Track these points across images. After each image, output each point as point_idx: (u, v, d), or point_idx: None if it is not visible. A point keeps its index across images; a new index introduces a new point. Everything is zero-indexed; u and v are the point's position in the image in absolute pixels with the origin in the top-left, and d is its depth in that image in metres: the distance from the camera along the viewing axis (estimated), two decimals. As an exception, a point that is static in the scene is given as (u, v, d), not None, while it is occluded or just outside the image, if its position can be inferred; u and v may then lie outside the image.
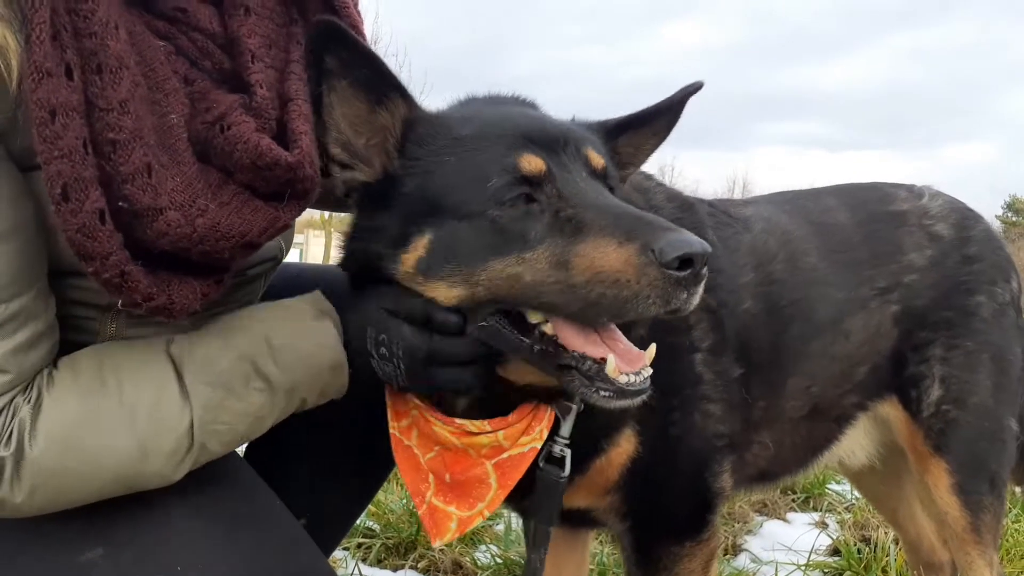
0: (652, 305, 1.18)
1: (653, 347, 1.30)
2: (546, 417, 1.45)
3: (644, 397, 1.26)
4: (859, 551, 2.94)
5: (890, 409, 2.07)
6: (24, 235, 1.21)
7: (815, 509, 3.73)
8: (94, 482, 1.28)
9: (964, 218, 2.14)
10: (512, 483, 1.45)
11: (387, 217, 1.37)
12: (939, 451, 2.00)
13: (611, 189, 1.40)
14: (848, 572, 2.82)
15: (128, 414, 1.26)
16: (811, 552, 2.94)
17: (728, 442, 1.72)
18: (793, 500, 3.80)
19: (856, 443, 2.19)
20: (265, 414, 1.37)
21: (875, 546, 2.94)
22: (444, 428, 1.46)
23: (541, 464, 1.47)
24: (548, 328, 1.30)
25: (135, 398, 1.27)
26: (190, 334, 1.38)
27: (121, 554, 1.36)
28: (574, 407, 1.47)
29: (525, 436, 1.44)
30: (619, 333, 1.31)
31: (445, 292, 1.31)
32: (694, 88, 1.59)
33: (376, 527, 3.12)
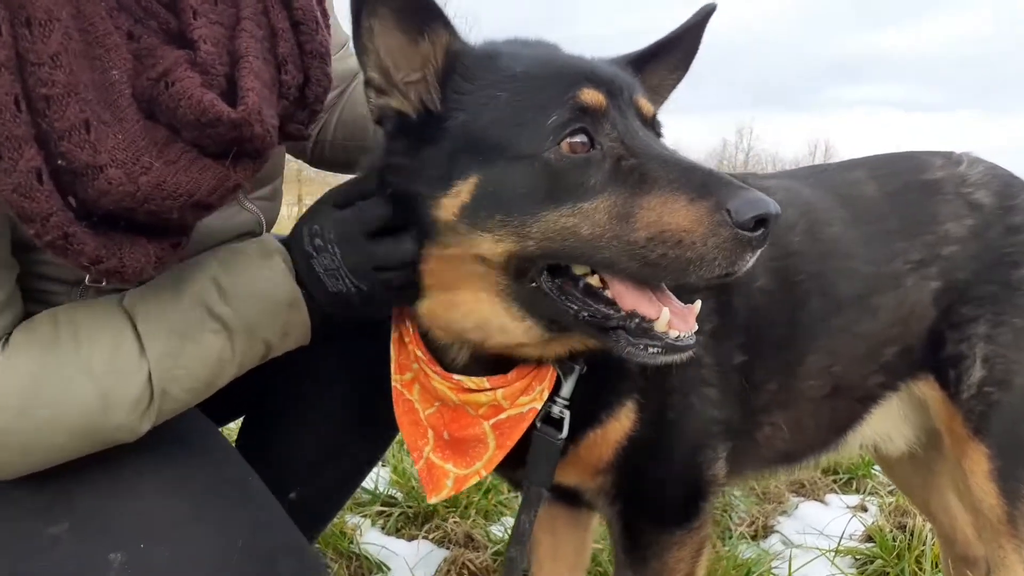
0: (718, 266, 1.14)
1: (699, 303, 1.28)
2: (548, 377, 1.42)
3: (692, 352, 1.24)
4: (894, 539, 2.79)
5: (927, 389, 1.93)
6: None
7: (857, 491, 3.56)
8: (57, 437, 1.28)
9: (1007, 185, 1.96)
10: (511, 443, 1.42)
11: (427, 155, 1.28)
12: (979, 434, 1.86)
13: (660, 136, 1.36)
14: (879, 560, 2.68)
15: (85, 365, 1.26)
16: (841, 537, 2.81)
17: (724, 428, 1.64)
18: (835, 481, 3.64)
19: (893, 428, 2.06)
20: (227, 357, 1.36)
21: (911, 534, 2.78)
22: (443, 383, 1.43)
23: (538, 424, 1.43)
24: (594, 280, 1.26)
25: (91, 350, 1.27)
26: (141, 288, 1.37)
27: (86, 528, 1.36)
28: (576, 368, 1.43)
29: (524, 396, 1.41)
30: (668, 291, 1.28)
31: (491, 246, 1.24)
32: (708, 10, 1.51)
33: (399, 495, 3.13)
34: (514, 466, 1.49)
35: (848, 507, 3.30)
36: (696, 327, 1.25)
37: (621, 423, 1.54)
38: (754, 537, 3.07)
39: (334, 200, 1.38)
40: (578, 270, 1.27)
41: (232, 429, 2.41)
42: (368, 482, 3.16)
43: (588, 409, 1.50)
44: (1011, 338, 1.85)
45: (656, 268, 1.16)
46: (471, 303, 1.33)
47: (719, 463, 1.64)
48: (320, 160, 2.07)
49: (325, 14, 1.42)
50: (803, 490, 3.54)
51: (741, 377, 1.68)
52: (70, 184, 1.13)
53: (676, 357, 1.23)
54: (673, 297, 1.28)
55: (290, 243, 1.41)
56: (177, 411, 1.38)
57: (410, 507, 3.02)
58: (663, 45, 1.51)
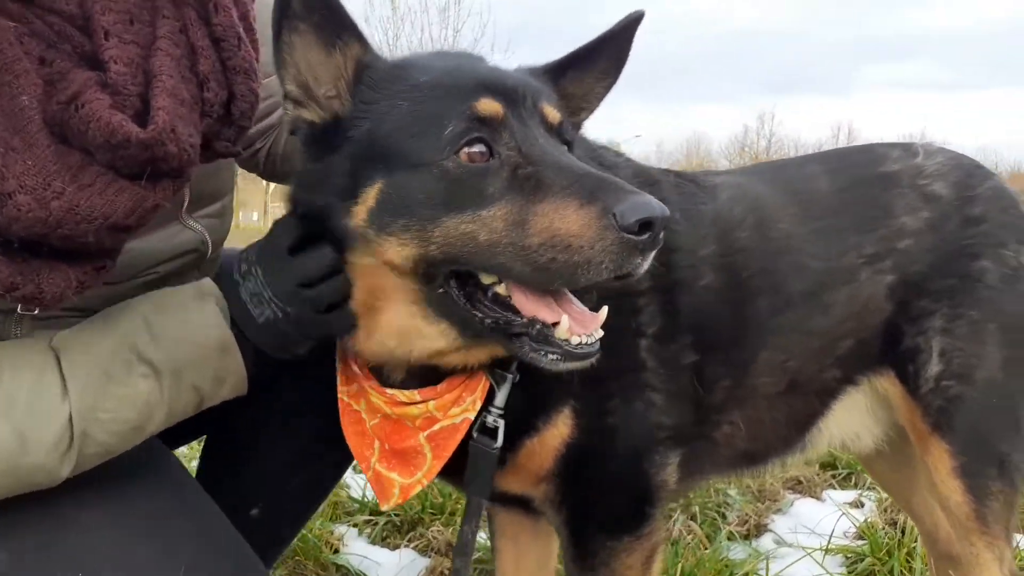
0: (605, 270, 1.17)
1: (605, 309, 1.29)
2: (478, 387, 1.44)
3: (593, 360, 1.26)
4: (886, 535, 2.73)
5: (887, 384, 1.89)
6: None
7: (856, 486, 3.50)
8: None
9: (968, 176, 1.91)
10: (446, 454, 1.44)
11: (335, 164, 1.33)
12: (939, 430, 1.82)
13: (567, 143, 1.37)
14: (869, 558, 2.62)
15: (6, 403, 1.26)
16: (831, 535, 2.75)
17: (673, 434, 1.62)
18: (833, 476, 3.58)
19: (860, 424, 2.01)
20: (155, 401, 1.35)
21: (902, 531, 2.72)
22: (379, 397, 1.46)
23: (474, 435, 1.45)
24: (501, 289, 1.28)
25: (13, 387, 1.27)
26: (73, 328, 1.36)
27: (23, 560, 1.37)
28: (509, 376, 1.44)
29: (456, 407, 1.43)
30: (572, 296, 1.30)
31: (397, 251, 1.28)
32: (635, 16, 1.50)
33: (387, 504, 3.13)
34: (458, 475, 1.50)
35: (844, 503, 3.25)
36: (600, 334, 1.26)
37: (559, 430, 1.53)
38: (746, 536, 3.02)
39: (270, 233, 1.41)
40: (486, 278, 1.29)
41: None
42: (356, 490, 3.18)
43: (525, 418, 1.50)
44: (969, 331, 1.80)
45: (547, 272, 1.19)
46: (391, 314, 1.36)
47: (668, 469, 1.62)
48: (273, 174, 2.07)
49: (251, 30, 1.42)
50: (799, 487, 3.48)
51: (692, 377, 1.65)
52: None
53: (576, 364, 1.25)
54: (576, 303, 1.30)
55: (223, 279, 1.41)
56: (104, 456, 1.36)
57: (396, 515, 3.02)
58: (585, 53, 1.51)
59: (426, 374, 1.44)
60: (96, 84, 1.21)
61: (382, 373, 1.48)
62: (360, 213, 1.29)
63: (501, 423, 1.44)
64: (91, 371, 1.31)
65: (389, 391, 1.45)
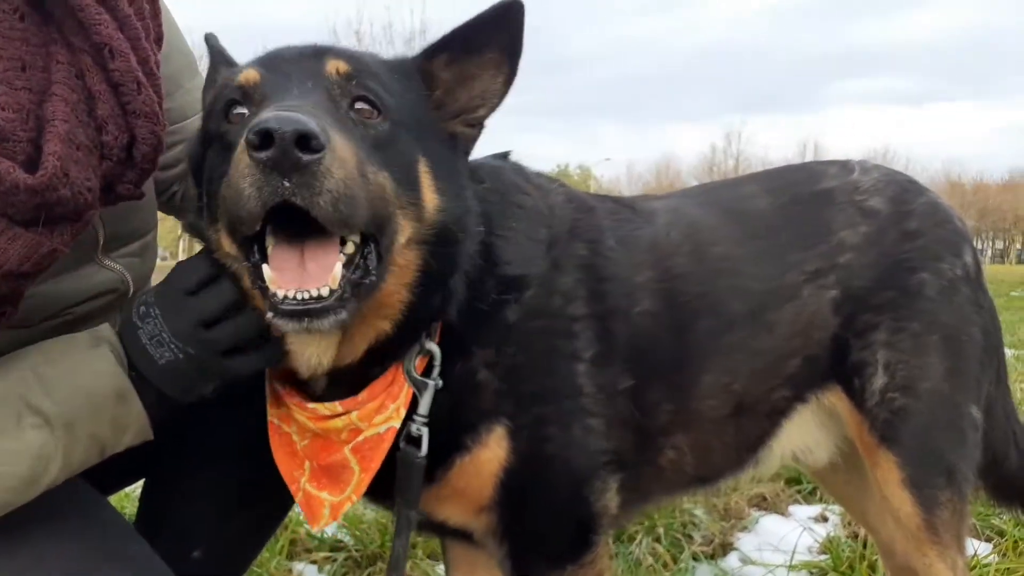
0: (250, 198, 1.12)
1: (338, 267, 1.19)
2: (401, 394, 1.41)
3: (308, 323, 1.17)
4: (849, 548, 2.73)
5: (834, 399, 1.90)
6: None
7: (820, 500, 3.50)
8: None
9: (904, 191, 1.95)
10: (375, 465, 1.42)
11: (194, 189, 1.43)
12: (886, 442, 1.83)
13: (371, 102, 1.31)
14: (832, 572, 2.61)
15: None
16: (793, 552, 2.74)
17: (613, 459, 1.60)
18: (798, 492, 3.58)
19: (811, 439, 2.01)
20: (49, 453, 1.30)
21: (864, 543, 2.72)
22: (301, 414, 1.44)
23: (401, 445, 1.42)
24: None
25: None
26: None
27: None
28: (431, 383, 1.42)
29: (379, 415, 1.41)
30: (310, 254, 1.20)
31: (222, 238, 1.31)
32: (512, 2, 1.40)
33: (348, 540, 3.07)
34: (390, 496, 1.47)
35: (809, 517, 3.24)
36: (322, 291, 1.17)
37: (493, 452, 1.50)
38: (712, 556, 3.00)
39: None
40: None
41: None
42: (315, 527, 3.10)
43: (452, 432, 1.47)
44: (911, 344, 1.82)
45: (227, 216, 1.21)
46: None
47: (608, 494, 1.59)
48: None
49: (152, 75, 1.40)
50: (764, 503, 3.48)
51: (630, 402, 1.63)
52: None
53: (287, 323, 1.18)
54: (290, 252, 1.20)
55: (123, 323, 1.38)
56: (2, 509, 1.31)
57: (358, 551, 2.95)
58: (457, 36, 1.45)
59: (350, 382, 1.41)
60: None
61: (308, 387, 1.46)
62: (207, 220, 1.34)
63: (425, 431, 1.41)
64: None
65: (311, 405, 1.42)
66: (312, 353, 1.38)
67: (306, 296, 1.16)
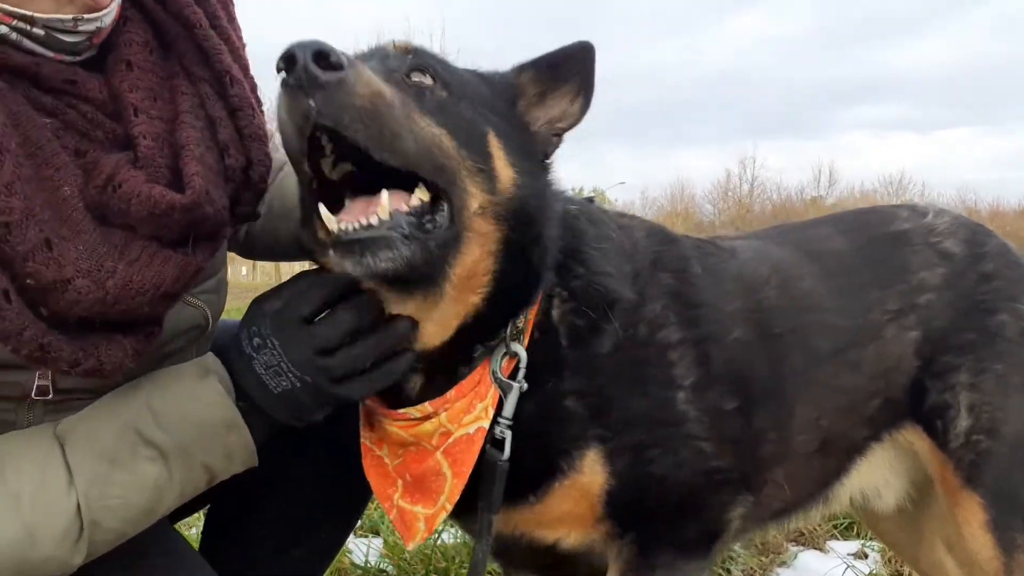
0: (288, 129, 1.21)
1: (384, 194, 1.23)
2: (488, 394, 1.43)
3: (364, 257, 1.21)
4: (894, 587, 2.73)
5: (915, 438, 1.91)
6: None
7: (858, 536, 3.50)
8: None
9: (974, 234, 1.99)
10: (465, 469, 1.43)
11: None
12: (971, 484, 1.84)
13: (422, 69, 1.38)
14: (880, 611, 2.61)
15: (12, 500, 1.24)
16: (840, 589, 2.74)
17: (733, 476, 1.61)
18: (835, 527, 3.57)
19: (882, 479, 2.02)
20: (164, 483, 1.33)
21: (911, 582, 2.72)
22: (393, 424, 1.45)
23: (486, 447, 1.44)
24: None
25: (18, 482, 1.25)
26: (75, 415, 1.36)
27: None
28: (515, 385, 1.44)
29: (468, 415, 1.43)
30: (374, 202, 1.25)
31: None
32: (586, 44, 1.56)
33: (390, 568, 3.10)
34: (470, 506, 1.47)
35: (849, 554, 3.24)
36: (375, 220, 1.22)
37: (589, 477, 1.50)
38: (755, 592, 3.00)
39: (266, 298, 1.41)
40: None
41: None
42: (358, 556, 3.14)
43: (542, 452, 1.48)
44: (994, 385, 1.84)
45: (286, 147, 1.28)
46: None
47: (734, 509, 1.61)
48: (251, 251, 2.10)
49: (260, 101, 1.50)
50: (802, 539, 3.47)
51: (739, 420, 1.64)
52: (41, 298, 1.18)
53: (344, 257, 1.23)
54: (358, 202, 1.28)
55: (230, 352, 1.41)
56: (116, 541, 1.35)
57: (401, 581, 2.98)
58: (546, 61, 1.56)
59: (440, 381, 1.44)
60: (127, 163, 1.27)
61: (402, 393, 1.47)
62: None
63: (508, 434, 1.43)
64: (96, 459, 1.30)
65: (401, 411, 1.44)
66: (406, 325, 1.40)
67: (356, 226, 1.21)
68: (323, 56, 1.14)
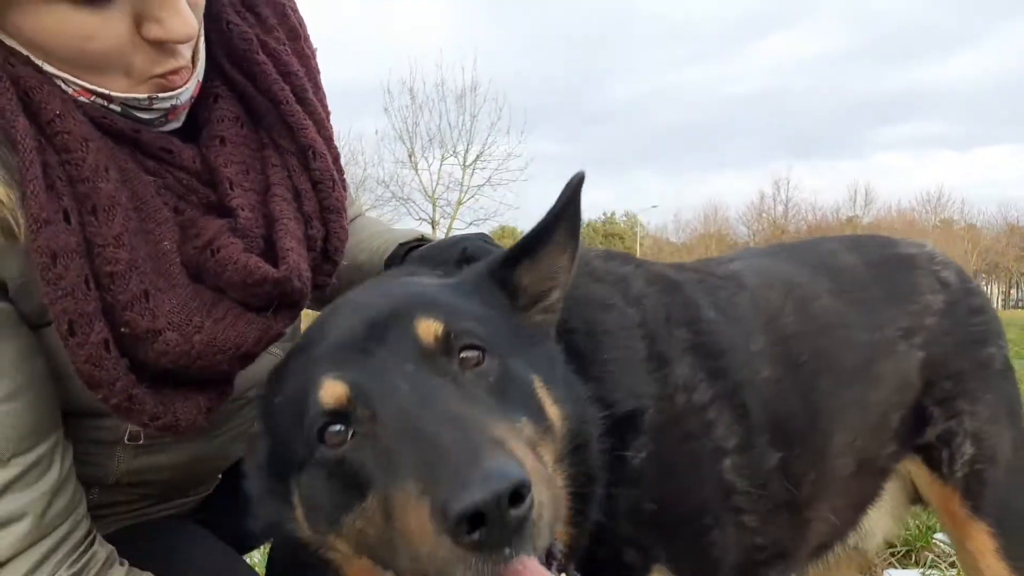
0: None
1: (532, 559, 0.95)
2: None
3: None
4: (955, 616, 2.69)
5: (914, 468, 1.93)
6: (35, 389, 1.30)
7: (917, 564, 3.45)
8: None
9: (962, 271, 2.06)
10: None
11: (271, 487, 1.22)
12: (978, 513, 1.87)
13: (475, 347, 1.13)
14: (941, 641, 2.58)
15: None
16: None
17: (772, 552, 1.55)
18: (892, 555, 3.53)
19: (892, 511, 2.02)
20: None
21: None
22: None
23: None
24: None
25: None
26: None
27: None
28: None
29: None
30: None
31: (339, 549, 1.13)
32: (578, 179, 1.30)
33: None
34: None
35: (909, 583, 3.20)
36: None
37: None
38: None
39: None
40: None
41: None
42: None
43: None
44: (989, 414, 1.89)
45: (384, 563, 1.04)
46: None
47: None
48: (322, 303, 2.19)
49: (342, 171, 1.56)
50: (860, 566, 3.43)
51: (781, 477, 1.56)
52: (131, 348, 1.25)
53: None
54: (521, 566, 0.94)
55: None
56: None
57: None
58: (545, 228, 1.30)
59: None
60: (228, 230, 1.35)
61: None
62: (300, 518, 1.16)
63: None
64: None
65: None
66: None
67: None
68: (518, 494, 0.86)
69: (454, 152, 38.91)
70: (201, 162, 1.41)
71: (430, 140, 38.99)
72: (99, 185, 1.23)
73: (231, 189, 1.39)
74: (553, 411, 1.18)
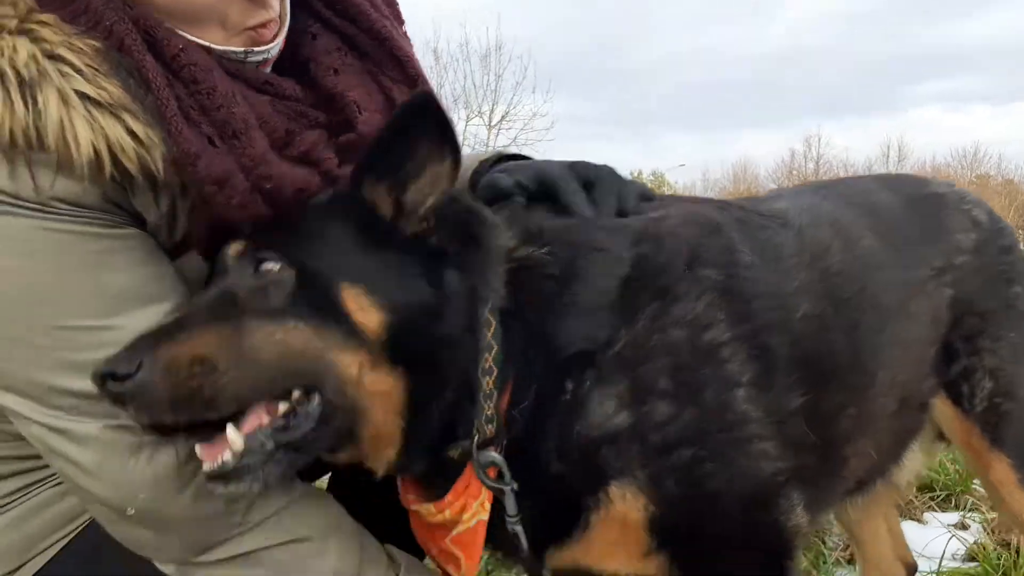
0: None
1: (230, 431, 1.24)
2: (481, 493, 1.43)
3: (225, 486, 1.25)
4: (998, 557, 2.69)
5: (939, 404, 1.96)
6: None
7: (957, 508, 3.44)
8: None
9: (992, 211, 2.10)
10: (476, 553, 1.49)
11: None
12: (997, 445, 1.93)
13: (264, 259, 1.32)
14: (983, 578, 2.59)
15: None
16: (941, 558, 2.72)
17: (794, 476, 1.49)
18: (932, 499, 3.52)
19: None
20: None
21: (1017, 551, 2.68)
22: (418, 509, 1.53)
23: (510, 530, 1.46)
24: None
25: None
26: None
27: None
28: (507, 488, 1.41)
29: (466, 513, 1.45)
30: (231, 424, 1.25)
31: None
32: (419, 98, 1.36)
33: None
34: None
35: (949, 525, 3.20)
36: (227, 457, 1.23)
37: (620, 506, 1.41)
38: (850, 561, 3.00)
39: None
40: None
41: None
42: None
43: (566, 502, 1.44)
44: (1010, 352, 1.93)
45: None
46: None
47: (797, 510, 1.49)
48: None
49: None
50: (899, 510, 3.43)
51: (802, 422, 1.54)
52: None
53: (218, 487, 1.26)
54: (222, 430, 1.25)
55: None
56: None
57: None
58: (374, 155, 1.36)
59: (439, 486, 1.45)
60: (324, 142, 1.43)
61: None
62: None
63: (519, 528, 1.44)
64: None
65: (413, 507, 1.52)
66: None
67: (213, 466, 1.24)
68: (109, 376, 1.18)
69: (479, 112, 38.48)
70: (301, 90, 1.46)
71: (455, 100, 38.51)
72: (233, 110, 1.30)
73: (359, 112, 1.46)
74: (365, 316, 1.29)
